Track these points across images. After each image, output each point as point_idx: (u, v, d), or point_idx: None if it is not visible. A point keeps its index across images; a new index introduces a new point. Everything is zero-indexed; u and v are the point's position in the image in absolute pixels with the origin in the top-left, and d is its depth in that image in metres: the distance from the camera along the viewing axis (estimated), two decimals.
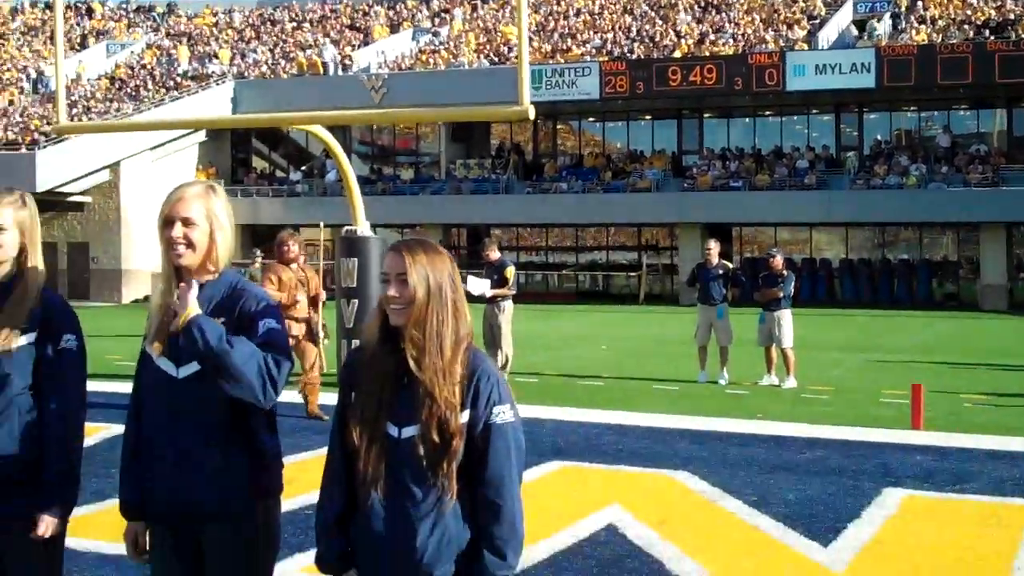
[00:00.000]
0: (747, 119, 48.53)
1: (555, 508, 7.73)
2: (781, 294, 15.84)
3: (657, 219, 45.35)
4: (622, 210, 44.65)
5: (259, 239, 48.34)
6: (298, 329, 12.12)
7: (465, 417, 3.18)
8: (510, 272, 16.11)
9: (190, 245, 3.51)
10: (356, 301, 14.72)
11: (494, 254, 16.46)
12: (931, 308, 40.21)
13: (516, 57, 12.79)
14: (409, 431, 3.18)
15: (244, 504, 3.49)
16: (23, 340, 3.74)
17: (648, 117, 49.74)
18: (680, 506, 8.16)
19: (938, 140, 44.90)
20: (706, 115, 48.74)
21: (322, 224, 12.95)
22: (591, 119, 50.90)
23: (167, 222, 3.52)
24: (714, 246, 16.54)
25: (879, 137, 46.67)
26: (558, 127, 52.21)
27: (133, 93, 52.31)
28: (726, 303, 16.36)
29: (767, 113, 48.10)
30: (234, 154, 54.09)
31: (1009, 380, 17.11)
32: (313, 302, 12.59)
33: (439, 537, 3.16)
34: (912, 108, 46.44)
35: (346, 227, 15.74)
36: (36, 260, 3.83)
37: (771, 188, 43.42)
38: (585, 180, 46.73)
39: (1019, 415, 13.24)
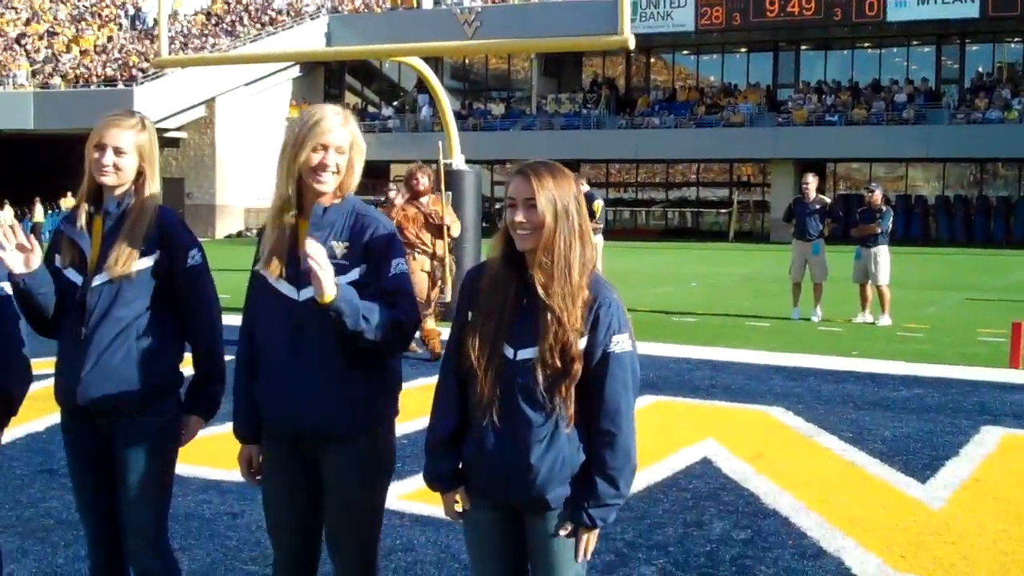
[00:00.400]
0: (845, 51, 47.64)
1: (651, 441, 7.75)
2: (879, 230, 15.60)
3: (750, 155, 44.88)
4: (714, 145, 44.22)
5: None
6: (418, 265, 11.77)
7: (584, 343, 3.17)
8: (597, 206, 16.12)
9: (336, 171, 3.53)
10: None
11: (583, 187, 16.41)
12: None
13: None
14: (526, 353, 3.18)
15: (366, 427, 3.55)
16: (142, 263, 3.78)
17: (743, 50, 49.03)
18: (775, 441, 8.13)
19: None
20: (803, 47, 47.92)
21: (440, 147, 12.39)
22: (685, 52, 50.32)
23: (315, 148, 3.50)
24: (812, 180, 16.31)
25: (980, 69, 45.53)
26: (651, 61, 51.66)
27: (229, 29, 52.70)
28: (822, 239, 16.16)
29: (866, 45, 47.16)
30: (327, 90, 54.36)
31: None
32: (441, 233, 12.07)
33: (553, 459, 3.19)
34: (1016, 39, 45.18)
35: (443, 160, 15.76)
36: (153, 184, 3.86)
37: (867, 123, 42.67)
38: (677, 115, 46.30)
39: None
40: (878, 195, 16.03)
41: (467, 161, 16.62)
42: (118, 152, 3.80)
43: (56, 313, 3.85)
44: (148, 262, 3.79)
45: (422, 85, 53.29)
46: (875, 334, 14.68)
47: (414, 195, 12.04)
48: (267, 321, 3.60)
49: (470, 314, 3.31)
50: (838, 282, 17.04)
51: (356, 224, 3.54)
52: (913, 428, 8.53)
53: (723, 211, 47.00)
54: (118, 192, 3.85)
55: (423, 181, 12.05)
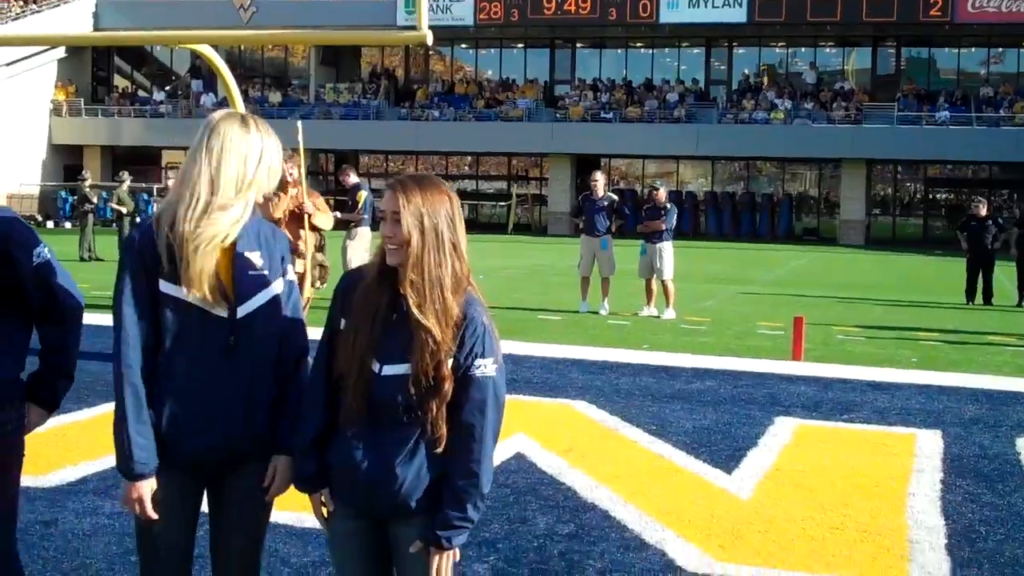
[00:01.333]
0: (620, 50, 48.84)
1: None
2: (664, 227, 16.08)
3: (527, 149, 45.53)
4: (492, 139, 44.72)
5: (120, 161, 47.18)
6: (300, 266, 10.59)
7: (450, 363, 3.16)
8: (361, 196, 16.10)
9: None
10: None
11: (351, 179, 16.45)
12: (792, 242, 41.26)
13: None
14: (393, 369, 3.15)
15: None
16: None
17: (520, 45, 49.67)
18: (583, 434, 8.27)
19: (804, 76, 45.82)
20: (579, 45, 48.86)
21: (299, 128, 10.67)
22: (463, 46, 50.61)
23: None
24: (600, 177, 16.65)
25: (747, 72, 47.40)
26: (430, 53, 51.78)
27: None
28: (610, 234, 16.53)
29: (639, 45, 48.45)
30: (95, 72, 52.50)
31: (875, 313, 17.72)
32: (303, 224, 10.77)
33: (417, 468, 3.17)
34: (780, 44, 47.24)
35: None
36: None
37: (641, 120, 43.85)
38: (457, 108, 46.57)
39: (890, 346, 13.71)
40: (663, 193, 16.51)
41: None
42: None
43: None
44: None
45: (196, 70, 52.26)
46: (662, 327, 15.09)
47: (283, 188, 10.85)
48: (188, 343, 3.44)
49: (342, 322, 3.27)
50: (624, 276, 17.47)
51: (270, 234, 3.48)
52: (711, 420, 8.82)
53: (502, 204, 47.54)
54: None
55: (293, 172, 10.89)
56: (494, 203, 48.44)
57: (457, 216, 3.20)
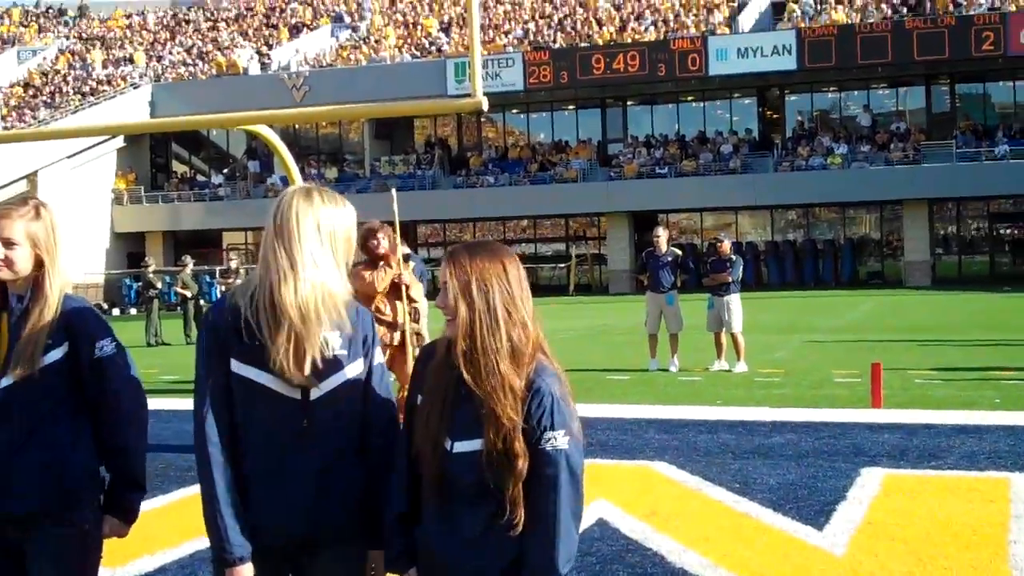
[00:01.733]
0: (670, 105, 48.85)
1: None
2: (730, 279, 15.90)
3: (584, 209, 45.53)
4: (549, 201, 44.80)
5: (181, 245, 47.74)
6: (389, 338, 10.16)
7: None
8: (409, 268, 16.18)
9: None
10: None
11: (402, 250, 16.55)
12: (856, 287, 40.78)
13: (463, 48, 12.53)
14: (464, 446, 3.03)
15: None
16: (48, 358, 3.52)
17: (571, 107, 49.84)
18: (666, 497, 8.08)
19: (859, 119, 45.56)
20: (629, 103, 48.95)
21: (394, 194, 9.91)
22: (515, 111, 50.86)
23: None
24: (663, 233, 16.54)
25: (800, 118, 47.21)
26: (482, 120, 52.10)
27: (48, 100, 51.29)
28: (676, 290, 16.37)
29: (689, 98, 48.46)
30: (153, 159, 53.39)
31: (951, 354, 17.34)
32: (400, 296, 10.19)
33: (494, 550, 3.04)
34: (832, 88, 47.04)
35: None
36: (56, 274, 3.59)
37: (696, 174, 43.74)
38: (511, 173, 46.75)
39: (971, 388, 13.38)
40: (727, 245, 16.33)
41: None
42: (8, 244, 3.54)
43: None
44: (55, 356, 3.54)
45: (252, 152, 52.95)
46: (734, 381, 14.85)
47: (375, 260, 10.04)
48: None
49: (418, 398, 3.17)
50: (691, 331, 17.26)
51: None
52: (795, 474, 8.58)
53: (561, 265, 47.49)
54: (19, 285, 3.58)
55: (383, 243, 10.03)
56: (553, 265, 48.41)
57: (515, 282, 3.06)
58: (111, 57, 55.95)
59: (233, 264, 27.05)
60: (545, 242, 50.36)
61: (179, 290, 25.70)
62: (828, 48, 41.80)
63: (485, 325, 3.00)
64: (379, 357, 3.38)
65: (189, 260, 26.78)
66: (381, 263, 10.05)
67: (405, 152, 51.02)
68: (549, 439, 2.97)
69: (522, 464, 2.95)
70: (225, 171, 52.22)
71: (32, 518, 3.48)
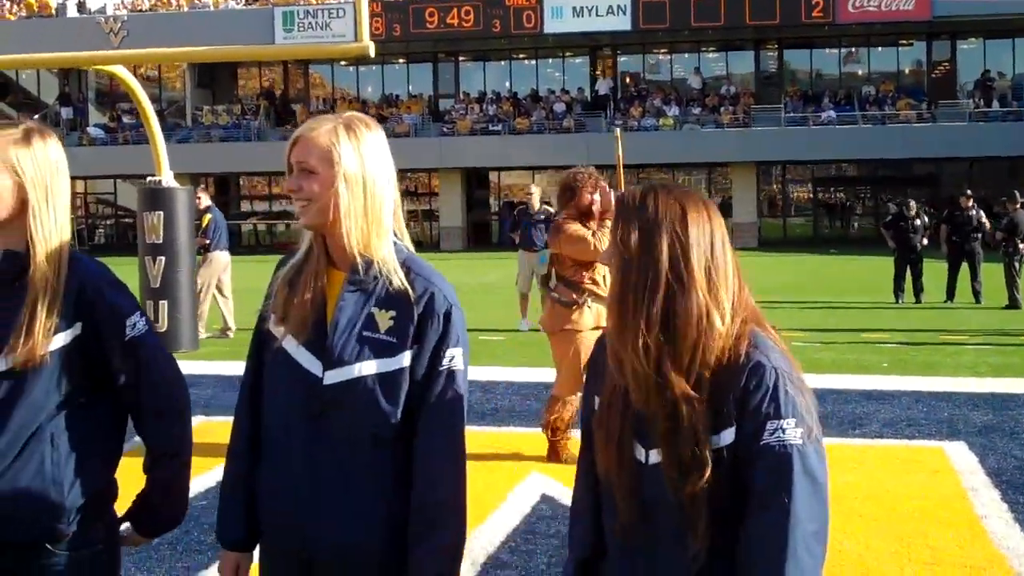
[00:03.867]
0: (503, 62, 48.31)
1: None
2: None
3: (416, 165, 44.62)
4: None
5: None
6: (589, 320, 7.62)
7: (726, 438, 2.24)
8: (205, 220, 15.76)
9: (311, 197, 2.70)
10: (163, 258, 13.47)
11: (202, 201, 16.05)
12: None
13: None
14: (657, 455, 2.29)
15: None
16: (56, 341, 2.68)
17: (402, 60, 48.81)
18: None
19: (689, 82, 45.86)
20: (462, 58, 48.19)
21: (618, 133, 8.67)
22: (343, 63, 49.53)
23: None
24: (536, 191, 16.04)
25: (631, 79, 47.32)
26: (310, 72, 50.69)
27: None
28: (547, 249, 15.84)
29: (522, 56, 48.00)
30: None
31: (814, 317, 17.35)
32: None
33: None
34: (663, 50, 47.23)
35: (149, 177, 14.38)
36: (51, 224, 2.72)
37: (530, 132, 43.40)
38: None
39: (852, 351, 13.30)
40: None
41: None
42: None
43: None
44: (64, 339, 2.70)
45: (66, 98, 50.30)
46: None
47: (581, 214, 7.71)
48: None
49: (596, 400, 2.43)
50: None
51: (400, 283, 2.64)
52: None
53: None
54: (6, 230, 2.70)
55: (596, 197, 7.69)
56: None
57: (716, 241, 2.30)
58: None
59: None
60: None
61: None
62: (662, 10, 41.79)
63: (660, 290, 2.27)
64: (458, 362, 2.68)
65: None
66: (596, 220, 7.66)
67: (228, 102, 49.22)
68: (776, 429, 2.21)
69: (701, 476, 2.21)
70: (35, 117, 49.32)
71: (35, 541, 2.71)
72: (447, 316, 2.62)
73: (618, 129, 8.52)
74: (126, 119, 48.35)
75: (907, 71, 45.96)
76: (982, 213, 19.96)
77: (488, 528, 6.24)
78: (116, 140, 45.86)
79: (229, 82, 50.64)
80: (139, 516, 2.89)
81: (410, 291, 2.61)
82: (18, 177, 2.68)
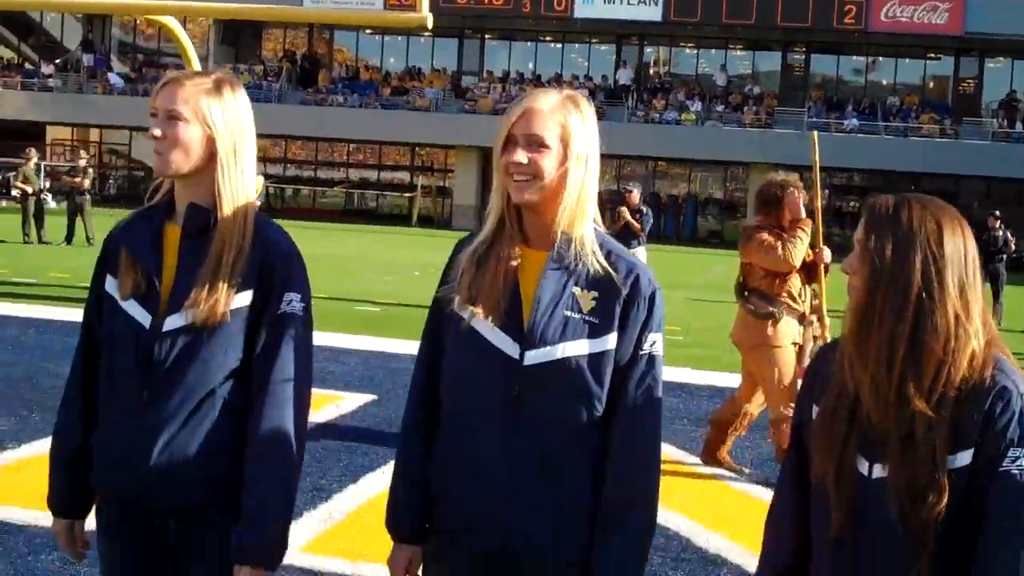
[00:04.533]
0: (528, 43, 48.15)
1: None
2: (645, 229, 15.45)
3: (434, 140, 44.60)
4: (398, 127, 43.69)
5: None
6: (785, 335, 7.29)
7: (963, 459, 2.19)
8: (259, 185, 15.60)
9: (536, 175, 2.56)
10: None
11: None
12: (696, 244, 41.10)
13: None
14: (882, 470, 2.25)
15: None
16: (238, 301, 2.63)
17: (428, 34, 48.59)
18: None
19: (715, 78, 45.74)
20: (487, 36, 48.01)
21: (815, 137, 8.38)
22: (368, 32, 49.35)
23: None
24: (635, 190, 16.10)
25: (657, 71, 47.20)
26: (334, 37, 50.52)
27: None
28: None
29: (548, 39, 47.84)
30: None
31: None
32: (815, 276, 7.53)
33: None
34: (691, 44, 47.09)
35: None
36: (241, 178, 2.68)
37: None
38: (362, 94, 45.42)
39: None
40: (636, 195, 15.86)
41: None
42: (171, 117, 2.62)
43: (103, 359, 2.71)
44: (245, 299, 2.65)
45: (88, 44, 50.13)
46: None
47: (781, 224, 7.31)
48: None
49: (814, 409, 2.37)
50: None
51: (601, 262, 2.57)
52: (767, 448, 8.15)
53: (406, 195, 46.52)
54: (192, 188, 2.67)
55: (801, 206, 7.43)
56: (399, 193, 47.34)
57: (963, 253, 2.26)
58: None
59: (82, 162, 25.26)
60: (389, 169, 49.18)
61: (20, 185, 23.85)
62: (694, 4, 41.72)
63: (887, 303, 2.24)
64: (659, 347, 2.62)
65: (34, 153, 24.95)
66: (792, 228, 7.26)
67: (250, 62, 49.06)
68: (1016, 458, 2.16)
69: (938, 501, 2.16)
70: (57, 61, 49.22)
71: (199, 509, 2.67)
72: (652, 299, 2.57)
73: (815, 132, 8.48)
74: (148, 73, 48.22)
75: (932, 85, 45.88)
76: (1008, 233, 19.84)
77: None
78: (136, 91, 45.70)
79: (253, 42, 50.49)
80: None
81: (613, 272, 2.54)
82: (209, 129, 2.64)
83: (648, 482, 2.56)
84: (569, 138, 2.53)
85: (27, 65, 49.90)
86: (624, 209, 15.64)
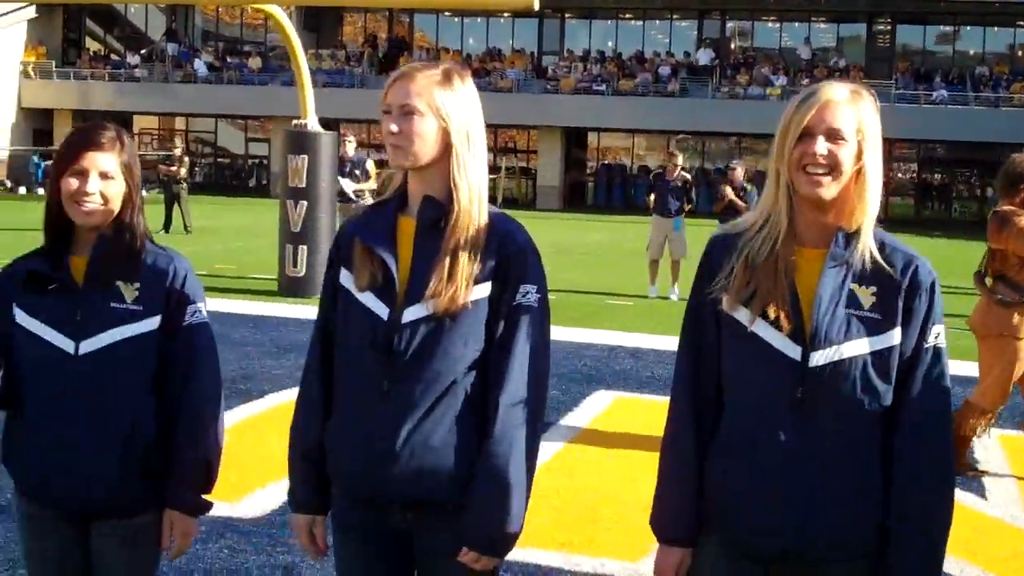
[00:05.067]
0: (608, 22, 47.92)
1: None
2: (747, 206, 15.31)
3: (517, 121, 44.52)
4: (483, 109, 43.61)
5: None
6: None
7: None
8: (372, 166, 15.85)
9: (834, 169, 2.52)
10: (304, 203, 13.56)
11: (351, 151, 15.94)
12: None
13: None
14: None
15: None
16: (479, 291, 2.66)
17: (507, 15, 48.54)
18: None
19: (799, 52, 45.20)
20: (567, 15, 47.82)
21: None
22: (447, 14, 49.37)
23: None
24: (679, 156, 15.96)
25: (738, 45, 46.76)
26: (414, 21, 50.62)
27: None
28: (682, 215, 15.74)
29: (628, 16, 47.56)
30: (66, 34, 50.82)
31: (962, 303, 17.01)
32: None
33: None
34: (772, 18, 46.56)
35: (295, 121, 14.46)
36: (469, 171, 2.71)
37: (634, 93, 43.06)
38: None
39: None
40: (740, 172, 15.75)
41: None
42: (407, 112, 2.66)
43: (339, 351, 2.76)
44: (483, 291, 2.67)
45: (172, 34, 50.73)
46: None
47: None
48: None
49: None
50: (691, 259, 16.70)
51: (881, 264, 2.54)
52: None
53: (491, 176, 46.57)
54: (426, 180, 2.70)
55: None
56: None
57: None
58: None
59: (177, 151, 25.62)
60: None
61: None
62: None
63: None
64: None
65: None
66: None
67: (333, 47, 49.31)
68: None
69: None
70: (143, 52, 49.83)
71: (439, 503, 2.69)
72: (932, 289, 2.53)
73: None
74: (229, 59, 48.67)
75: (1022, 54, 44.92)
76: None
77: None
78: (220, 79, 46.20)
79: (334, 27, 50.75)
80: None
81: (889, 265, 2.51)
82: (444, 122, 2.67)
83: (944, 479, 2.54)
84: (865, 130, 2.50)
85: (113, 56, 50.60)
86: (727, 188, 15.45)
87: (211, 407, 3.01)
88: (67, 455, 2.88)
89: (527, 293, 2.69)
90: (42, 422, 2.90)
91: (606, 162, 45.90)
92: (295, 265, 13.55)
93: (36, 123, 47.32)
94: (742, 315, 2.54)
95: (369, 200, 15.24)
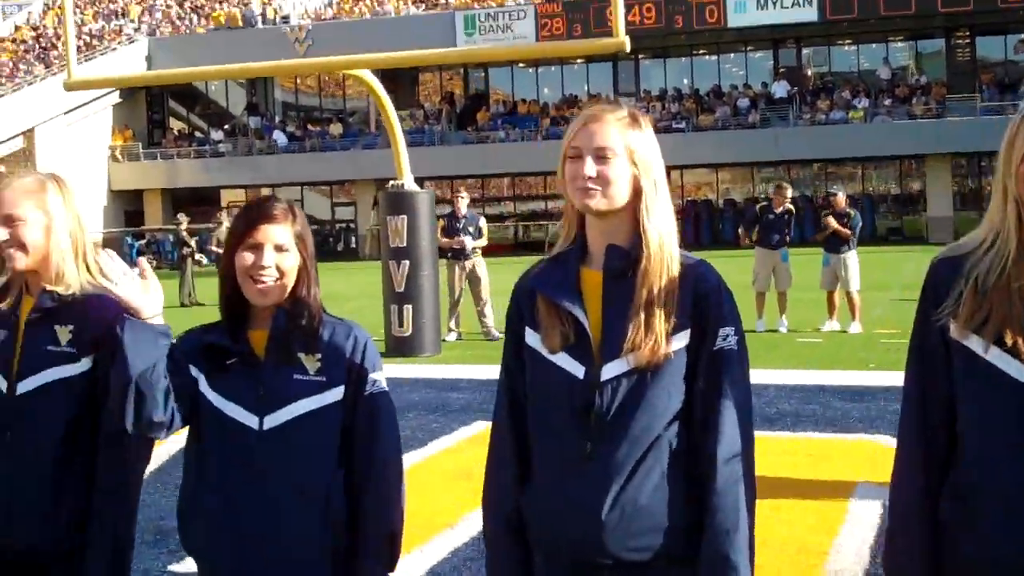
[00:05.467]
0: (683, 59, 47.80)
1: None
2: (853, 234, 15.10)
3: None
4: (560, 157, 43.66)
5: (178, 203, 46.36)
6: None
7: None
8: (484, 223, 16.34)
9: None
10: (407, 262, 13.59)
11: (463, 207, 15.96)
12: (876, 243, 39.99)
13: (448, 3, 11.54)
14: None
15: None
16: (678, 340, 2.56)
17: (581, 60, 48.65)
18: None
19: (878, 72, 44.72)
20: (641, 56, 47.79)
21: None
22: (522, 65, 49.59)
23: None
24: (787, 188, 15.83)
25: (815, 72, 46.38)
26: (489, 75, 50.94)
27: (42, 55, 49.75)
28: (787, 246, 15.56)
29: (702, 52, 47.45)
30: (150, 115, 52.02)
31: None
32: None
33: None
34: (848, 41, 46.15)
35: (392, 181, 14.54)
36: (663, 214, 2.65)
37: (714, 128, 42.85)
38: (522, 128, 45.65)
39: None
40: (842, 198, 15.53)
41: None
42: (601, 156, 2.59)
43: (533, 415, 2.68)
44: (683, 339, 2.57)
45: (253, 107, 51.61)
46: (859, 343, 14.03)
47: None
48: None
49: None
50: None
51: None
52: None
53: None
54: (611, 227, 2.62)
55: None
56: None
57: None
58: (101, 11, 54.27)
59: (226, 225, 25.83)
60: (556, 199, 49.31)
61: (214, 248, 24.52)
62: (850, 0, 40.86)
63: None
64: None
65: (225, 216, 25.74)
66: None
67: (410, 107, 49.76)
68: None
69: None
70: (226, 127, 50.72)
71: (650, 563, 2.61)
72: None
73: None
74: (311, 127, 49.29)
75: None
76: None
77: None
78: (303, 148, 46.82)
79: (410, 88, 51.23)
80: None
81: None
82: (634, 165, 2.60)
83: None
84: None
85: (197, 134, 51.55)
86: (831, 219, 15.21)
87: (396, 480, 2.94)
88: (269, 546, 2.81)
89: (727, 336, 2.58)
90: (230, 505, 2.82)
91: (691, 199, 45.58)
92: (401, 325, 13.56)
93: (126, 204, 48.35)
94: (974, 343, 2.35)
95: (479, 257, 15.25)
